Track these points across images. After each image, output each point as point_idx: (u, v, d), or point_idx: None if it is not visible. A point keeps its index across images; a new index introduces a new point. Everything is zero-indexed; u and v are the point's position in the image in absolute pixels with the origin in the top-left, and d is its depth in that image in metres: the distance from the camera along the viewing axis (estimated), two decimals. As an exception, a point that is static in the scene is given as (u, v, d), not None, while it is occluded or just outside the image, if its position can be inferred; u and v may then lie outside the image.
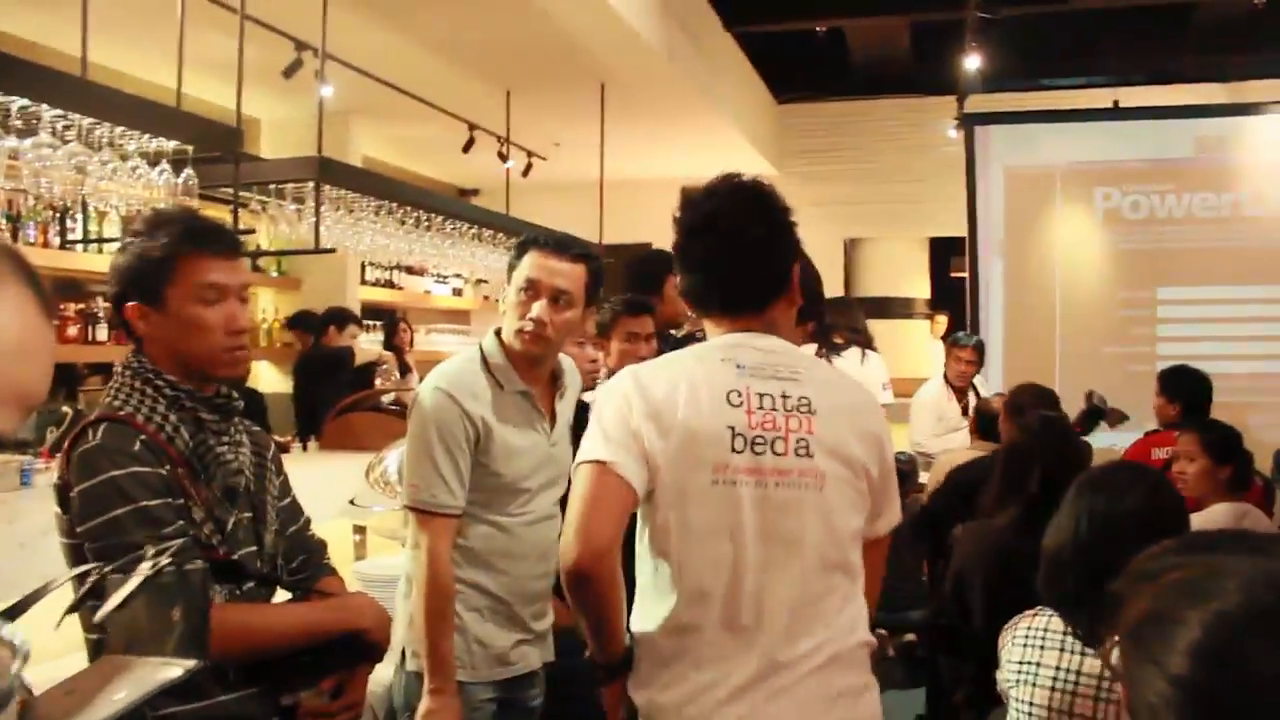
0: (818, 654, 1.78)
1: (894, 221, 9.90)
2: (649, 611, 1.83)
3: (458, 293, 9.29)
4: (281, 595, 2.02)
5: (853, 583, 1.87)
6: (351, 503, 3.49)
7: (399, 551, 3.08)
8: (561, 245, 2.40)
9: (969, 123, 7.94)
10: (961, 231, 8.88)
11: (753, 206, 1.90)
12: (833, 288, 8.49)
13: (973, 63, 6.90)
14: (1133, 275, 7.79)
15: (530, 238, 2.45)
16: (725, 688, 1.75)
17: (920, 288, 10.63)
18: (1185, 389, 4.56)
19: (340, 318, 6.56)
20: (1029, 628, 2.09)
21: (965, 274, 8.53)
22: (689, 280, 1.93)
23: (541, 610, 2.46)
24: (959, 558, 2.97)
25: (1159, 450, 4.28)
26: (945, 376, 6.19)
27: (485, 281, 8.96)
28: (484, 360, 2.39)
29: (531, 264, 2.36)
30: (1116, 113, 7.97)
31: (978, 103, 8.20)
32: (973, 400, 5.86)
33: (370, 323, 7.47)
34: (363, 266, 7.70)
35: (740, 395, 1.81)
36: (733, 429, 1.78)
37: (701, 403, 1.79)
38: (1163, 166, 7.80)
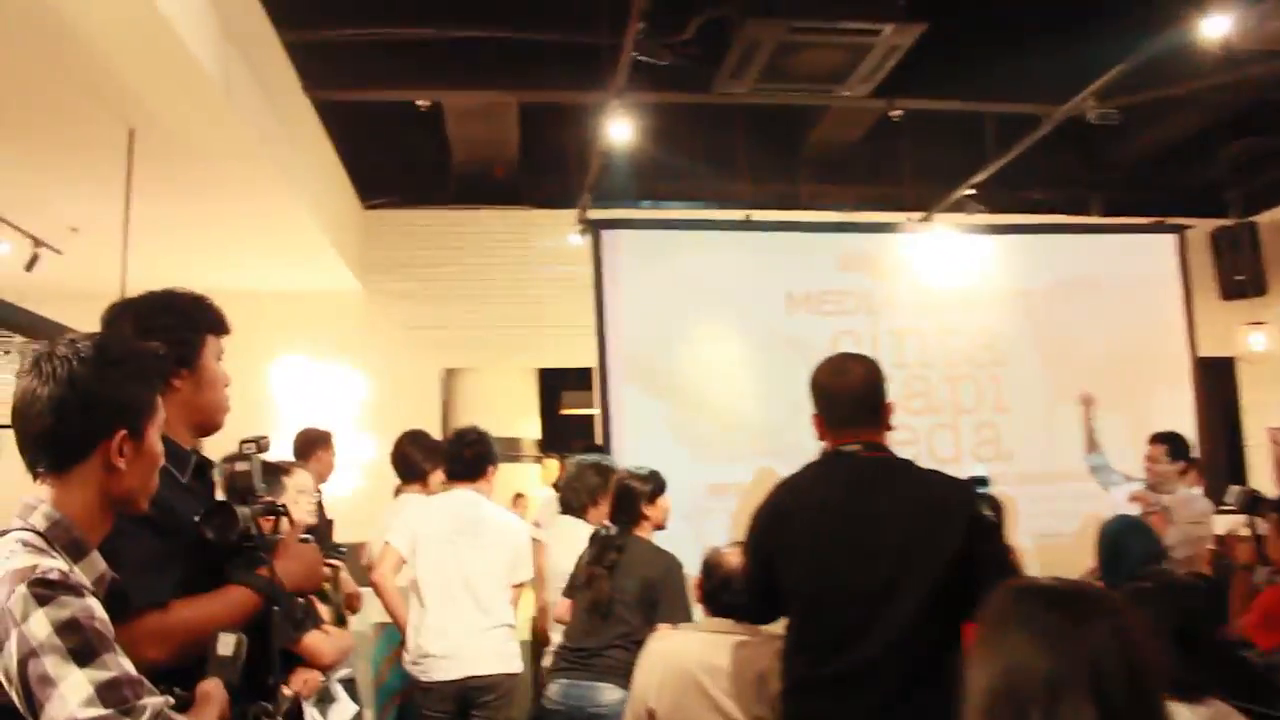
0: None
1: (500, 350, 8.49)
2: None
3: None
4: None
5: None
6: None
7: None
8: None
9: (595, 228, 6.81)
10: (576, 362, 7.76)
11: None
12: (429, 423, 6.95)
13: (618, 133, 5.62)
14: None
15: None
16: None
17: (530, 427, 9.33)
18: None
19: None
20: None
21: (579, 410, 7.35)
22: None
23: None
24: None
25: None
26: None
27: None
28: None
29: None
30: (749, 225, 7.20)
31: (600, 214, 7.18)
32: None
33: None
34: None
35: None
36: None
37: None
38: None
